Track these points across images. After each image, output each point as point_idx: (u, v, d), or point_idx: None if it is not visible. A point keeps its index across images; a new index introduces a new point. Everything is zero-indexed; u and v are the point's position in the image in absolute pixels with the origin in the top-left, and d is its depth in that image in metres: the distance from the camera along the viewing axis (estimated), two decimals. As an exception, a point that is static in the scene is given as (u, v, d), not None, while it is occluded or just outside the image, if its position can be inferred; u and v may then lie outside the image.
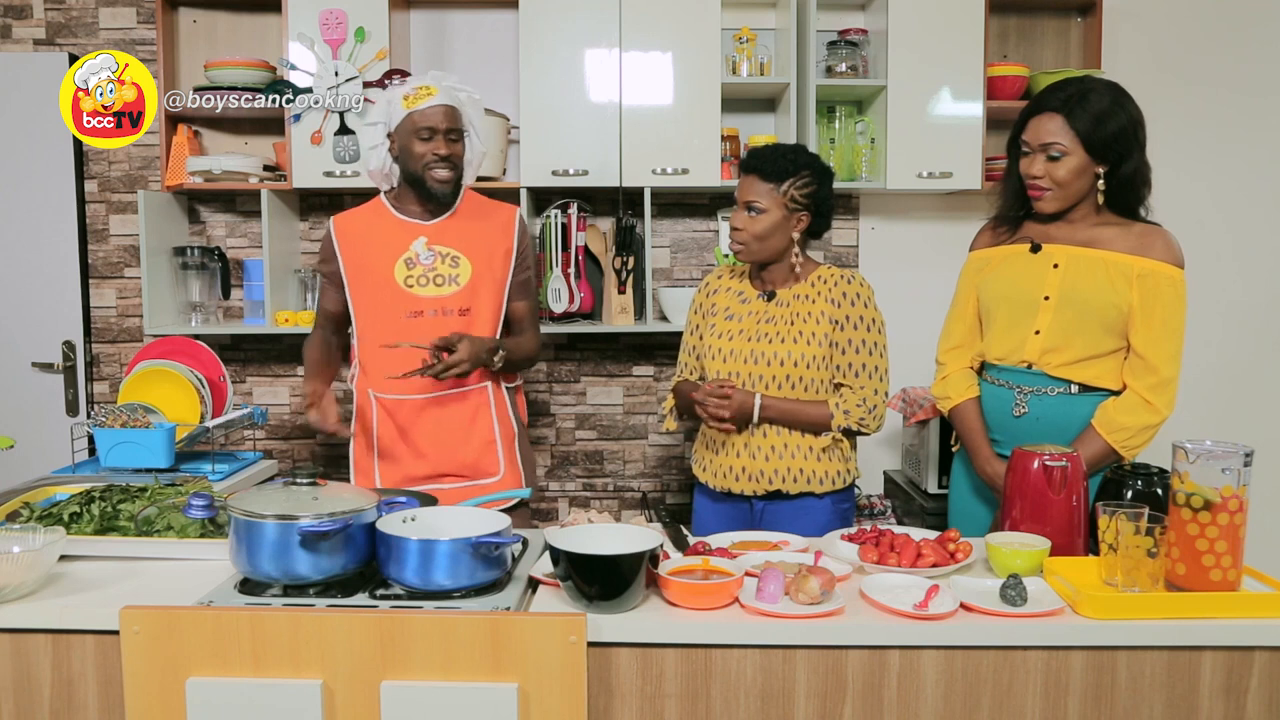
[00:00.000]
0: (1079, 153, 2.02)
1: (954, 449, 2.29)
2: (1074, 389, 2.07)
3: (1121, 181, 2.04)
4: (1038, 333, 2.07)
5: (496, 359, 2.30)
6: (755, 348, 2.19)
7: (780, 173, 2.16)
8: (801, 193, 2.17)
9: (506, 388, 2.46)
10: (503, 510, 2.31)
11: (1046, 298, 2.06)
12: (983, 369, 2.21)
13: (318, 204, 3.53)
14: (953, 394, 2.20)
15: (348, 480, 2.48)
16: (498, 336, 2.40)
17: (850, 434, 2.22)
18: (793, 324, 2.19)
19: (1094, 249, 2.06)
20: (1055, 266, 2.07)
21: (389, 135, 2.35)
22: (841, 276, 2.23)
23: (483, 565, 1.56)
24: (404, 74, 3.17)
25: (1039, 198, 2.08)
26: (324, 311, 2.49)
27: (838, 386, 2.22)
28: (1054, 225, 2.12)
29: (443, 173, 2.31)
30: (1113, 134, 2.00)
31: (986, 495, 2.18)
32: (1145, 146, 2.06)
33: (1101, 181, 2.05)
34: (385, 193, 2.44)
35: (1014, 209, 2.16)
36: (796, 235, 2.20)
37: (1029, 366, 2.09)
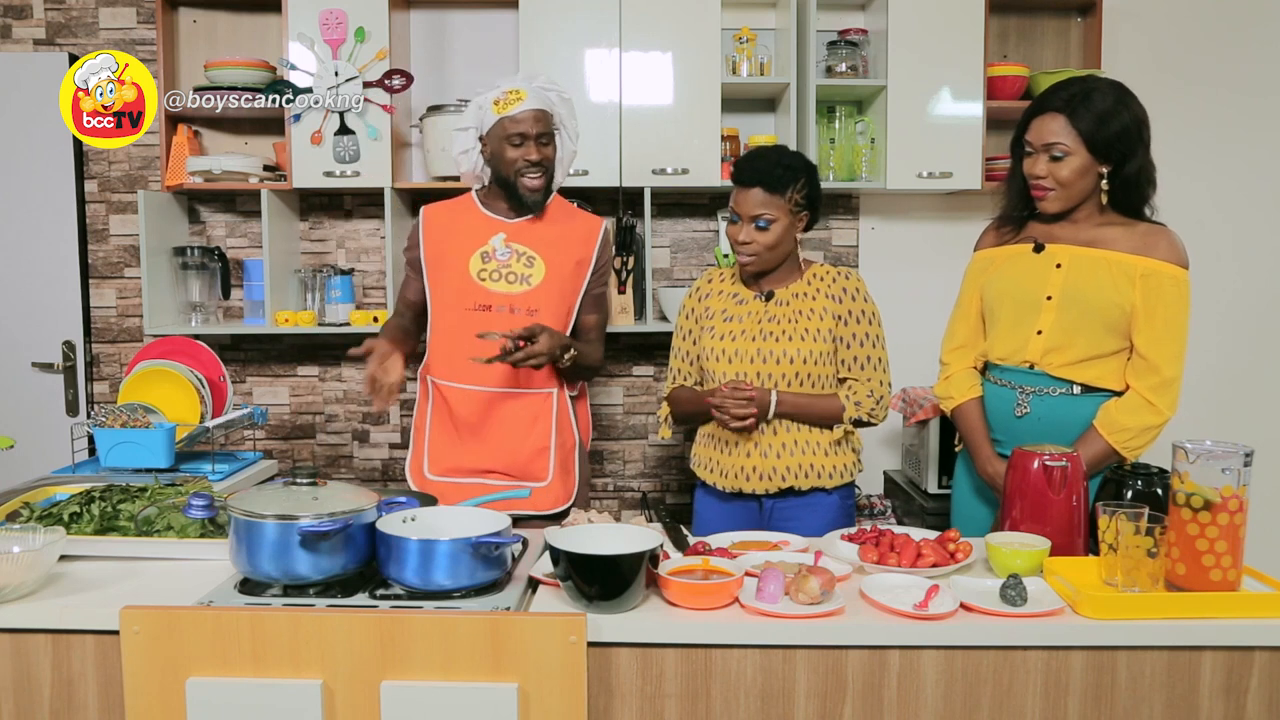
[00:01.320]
0: (1082, 152, 2.01)
1: (956, 449, 2.29)
2: (1076, 389, 2.06)
3: (1125, 181, 2.04)
4: (1040, 333, 2.07)
5: (567, 358, 2.29)
6: (762, 347, 2.20)
7: (783, 182, 2.16)
8: (801, 195, 2.18)
9: (570, 396, 2.44)
10: (545, 516, 2.33)
11: (1049, 297, 2.06)
12: (985, 369, 2.21)
13: (318, 204, 3.53)
14: (955, 394, 2.20)
15: (404, 464, 2.51)
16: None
17: (860, 424, 2.24)
18: (796, 322, 2.20)
19: (1097, 249, 2.05)
20: (1058, 266, 2.07)
21: (480, 139, 2.37)
22: (839, 273, 2.25)
23: (483, 565, 1.56)
24: (404, 74, 3.18)
25: (1042, 198, 2.07)
26: (405, 300, 2.50)
27: (842, 381, 2.23)
28: (1058, 225, 2.11)
29: (535, 180, 2.32)
30: (1116, 134, 2.00)
31: (989, 496, 2.17)
32: (1150, 146, 2.05)
33: (1105, 181, 2.04)
34: (477, 190, 2.46)
35: (1018, 209, 2.16)
36: (799, 235, 2.22)
37: (1031, 367, 2.09)
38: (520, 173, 2.31)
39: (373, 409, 2.23)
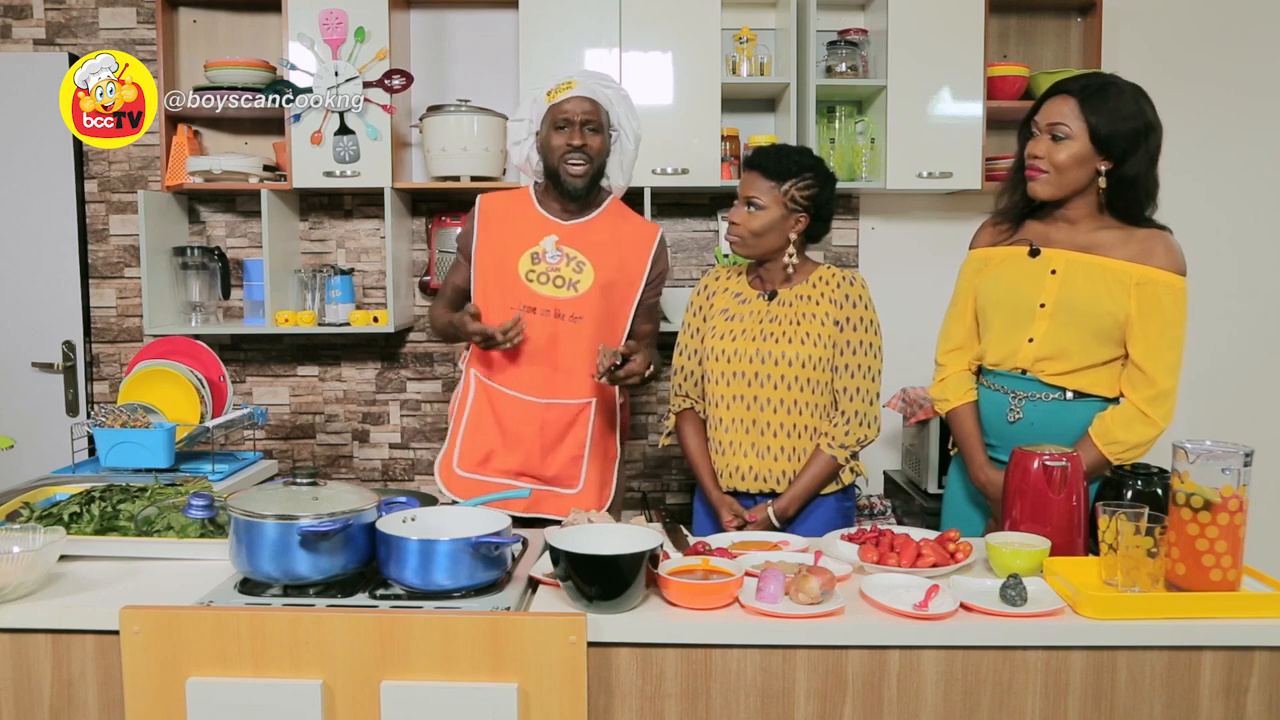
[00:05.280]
0: (1083, 140, 1.97)
1: (952, 452, 2.27)
2: (1069, 395, 2.04)
3: (1123, 182, 1.99)
4: (1031, 340, 2.04)
5: (648, 374, 2.25)
6: (761, 348, 2.19)
7: (782, 172, 2.16)
8: (802, 194, 2.17)
9: (618, 404, 2.43)
10: None
11: (1042, 305, 2.03)
12: (980, 372, 2.19)
13: (317, 204, 3.53)
14: (951, 396, 2.17)
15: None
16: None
17: (856, 455, 2.25)
18: (798, 324, 2.20)
19: (1094, 254, 2.01)
20: (1053, 273, 2.03)
21: (536, 133, 2.37)
22: (843, 278, 2.23)
23: (483, 565, 1.56)
24: (404, 74, 3.18)
25: (1034, 178, 2.03)
26: (453, 285, 2.47)
27: (834, 399, 2.23)
28: (1054, 226, 2.08)
29: (577, 166, 2.30)
30: (1122, 131, 1.95)
31: (981, 501, 2.16)
32: (1156, 158, 2.00)
33: (1102, 179, 2.00)
34: (535, 185, 2.44)
35: (1013, 201, 2.12)
36: (794, 236, 2.20)
37: (1023, 372, 2.07)
38: (564, 158, 2.29)
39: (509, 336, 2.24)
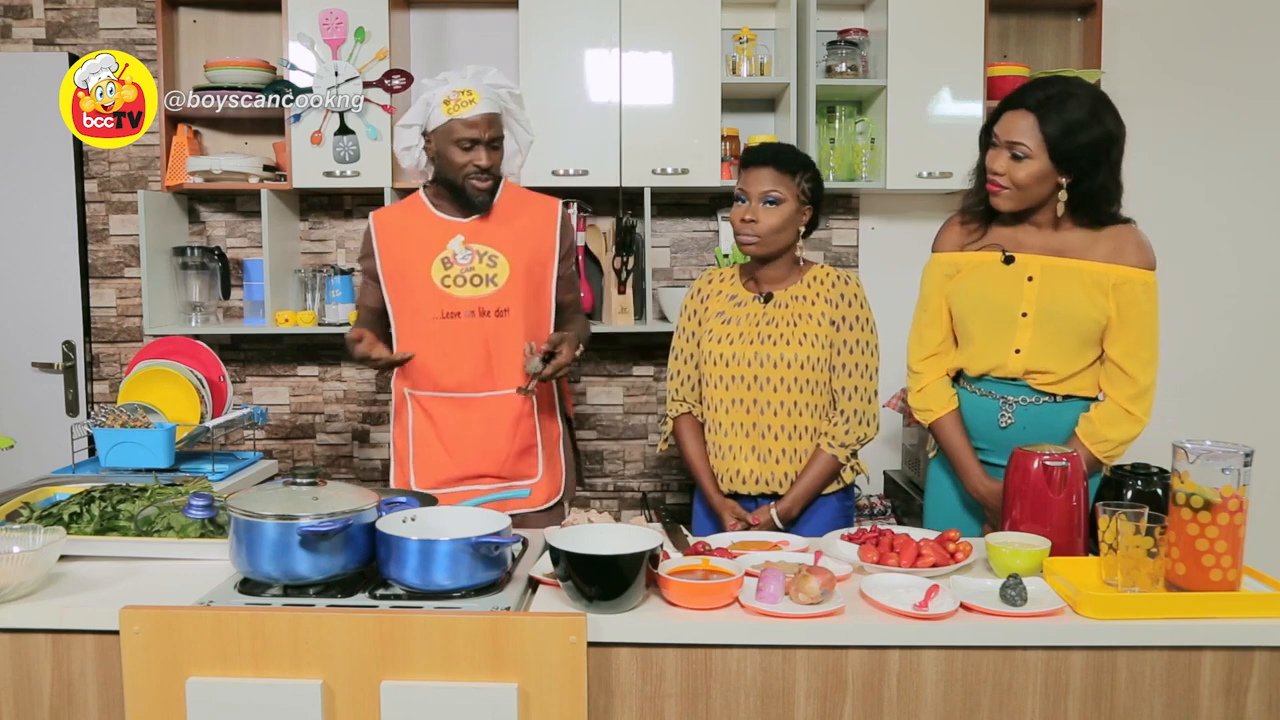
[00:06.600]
0: (1043, 158, 1.95)
1: (930, 454, 2.25)
2: (1058, 398, 2.05)
3: (1084, 195, 1.98)
4: (1018, 351, 2.03)
5: (578, 352, 2.26)
6: (759, 350, 2.19)
7: (794, 165, 2.18)
8: (807, 186, 2.19)
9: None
10: (538, 511, 2.32)
11: (1024, 314, 2.02)
12: (959, 377, 2.16)
13: (318, 204, 3.53)
14: (934, 406, 2.15)
15: (386, 483, 2.43)
16: (549, 333, 2.35)
17: (856, 453, 2.24)
18: (795, 325, 2.19)
19: (1067, 258, 2.01)
20: (1030, 280, 2.02)
21: (424, 135, 2.30)
22: (839, 277, 2.23)
23: (483, 565, 1.56)
24: (404, 74, 3.17)
25: (995, 194, 2.02)
26: (365, 308, 2.44)
27: (833, 399, 2.22)
28: (1021, 230, 2.06)
29: (482, 183, 2.26)
30: (1082, 146, 1.93)
31: (974, 507, 2.14)
32: (1118, 165, 1.98)
33: (1063, 192, 1.98)
34: (424, 188, 2.39)
35: (978, 200, 2.09)
36: (802, 229, 2.21)
37: (1014, 378, 2.06)
38: (469, 177, 2.25)
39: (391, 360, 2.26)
